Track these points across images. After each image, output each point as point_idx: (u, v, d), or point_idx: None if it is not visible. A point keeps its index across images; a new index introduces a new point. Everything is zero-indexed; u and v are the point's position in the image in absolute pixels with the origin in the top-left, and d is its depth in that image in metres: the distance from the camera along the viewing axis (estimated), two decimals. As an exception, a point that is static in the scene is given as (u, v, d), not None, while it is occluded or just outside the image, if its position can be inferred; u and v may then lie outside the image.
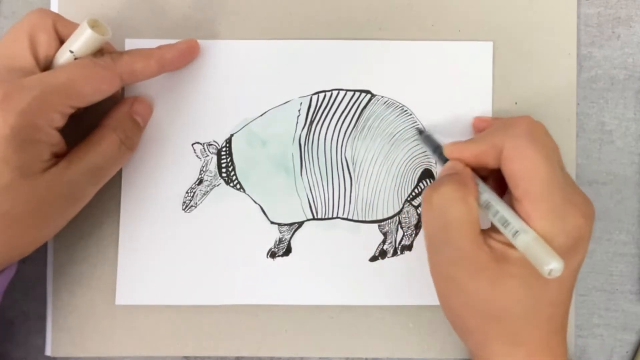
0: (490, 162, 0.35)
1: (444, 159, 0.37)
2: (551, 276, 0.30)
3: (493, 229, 0.35)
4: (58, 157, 0.36)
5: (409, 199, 0.42)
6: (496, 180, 0.37)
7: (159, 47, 0.39)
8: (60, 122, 0.35)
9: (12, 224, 0.34)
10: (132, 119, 0.40)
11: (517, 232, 0.32)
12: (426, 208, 0.35)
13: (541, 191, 0.33)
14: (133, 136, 0.39)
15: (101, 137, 0.38)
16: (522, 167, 0.33)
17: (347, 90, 0.42)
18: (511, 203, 0.34)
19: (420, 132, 0.41)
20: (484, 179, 0.37)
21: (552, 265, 0.30)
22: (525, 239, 0.32)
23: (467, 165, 0.36)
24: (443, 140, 0.39)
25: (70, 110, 0.36)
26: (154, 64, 0.38)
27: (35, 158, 0.34)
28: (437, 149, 0.38)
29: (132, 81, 0.39)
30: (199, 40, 0.41)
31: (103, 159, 0.37)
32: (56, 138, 0.35)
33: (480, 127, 0.40)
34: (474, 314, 0.34)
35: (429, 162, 0.42)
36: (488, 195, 0.34)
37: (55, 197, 0.35)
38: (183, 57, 0.41)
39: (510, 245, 0.33)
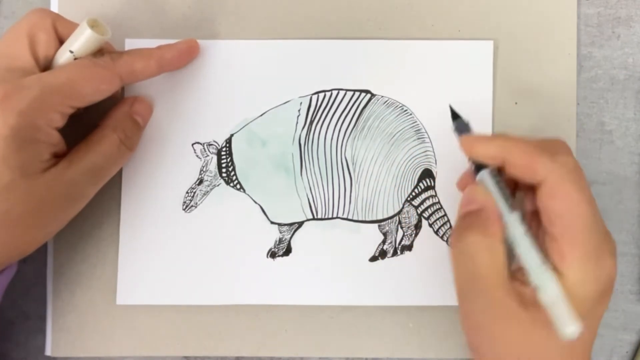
0: (519, 174, 0.33)
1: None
2: (568, 338, 0.30)
3: (520, 270, 0.33)
4: (58, 157, 0.36)
5: (409, 199, 0.42)
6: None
7: (159, 47, 0.39)
8: (60, 122, 0.35)
9: (12, 223, 0.34)
10: (132, 119, 0.40)
11: (543, 282, 0.31)
12: (454, 255, 0.34)
13: (581, 235, 0.32)
14: (133, 136, 0.39)
15: (101, 137, 0.38)
16: (565, 206, 0.32)
17: (347, 90, 0.42)
18: (542, 237, 0.33)
19: (455, 116, 0.37)
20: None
21: (571, 329, 0.30)
22: (550, 294, 0.31)
23: (491, 159, 0.34)
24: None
25: (70, 110, 0.36)
26: (153, 63, 0.38)
27: (35, 158, 0.34)
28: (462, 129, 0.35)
29: (132, 81, 0.39)
30: (198, 40, 0.41)
31: (103, 158, 0.37)
32: (56, 138, 0.35)
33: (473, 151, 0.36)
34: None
35: (429, 162, 0.42)
36: (519, 235, 0.33)
37: (55, 197, 0.35)
38: (183, 57, 0.41)
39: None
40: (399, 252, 0.41)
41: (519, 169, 0.33)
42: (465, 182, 0.37)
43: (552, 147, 0.34)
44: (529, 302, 0.32)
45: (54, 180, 0.35)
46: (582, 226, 0.32)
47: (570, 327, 0.30)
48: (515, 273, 0.34)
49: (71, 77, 0.35)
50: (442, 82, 0.42)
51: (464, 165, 0.37)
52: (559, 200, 0.32)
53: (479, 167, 0.35)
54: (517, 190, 0.36)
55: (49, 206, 0.35)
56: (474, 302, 0.33)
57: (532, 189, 0.34)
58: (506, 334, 0.32)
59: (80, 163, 0.36)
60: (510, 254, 0.33)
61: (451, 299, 0.41)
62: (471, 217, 0.34)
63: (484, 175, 0.34)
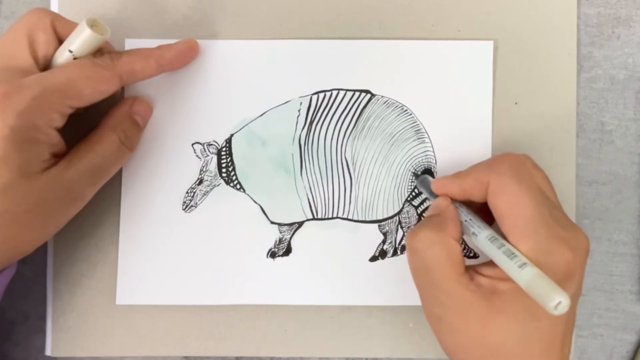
0: (477, 196, 0.35)
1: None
2: (558, 312, 0.29)
3: (480, 266, 0.35)
4: (57, 157, 0.36)
5: (409, 199, 0.42)
6: (488, 213, 0.36)
7: (159, 47, 0.39)
8: (59, 122, 0.35)
9: (12, 223, 0.34)
10: (131, 119, 0.40)
11: (524, 264, 0.31)
12: (409, 253, 0.36)
13: (525, 228, 0.33)
14: (133, 136, 0.39)
15: (101, 137, 0.38)
16: (507, 203, 0.34)
17: (347, 90, 0.42)
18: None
19: (417, 175, 0.41)
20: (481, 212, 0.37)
21: (557, 299, 0.29)
22: (528, 274, 0.31)
23: (455, 199, 0.37)
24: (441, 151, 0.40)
25: (70, 110, 0.36)
26: (153, 63, 0.38)
27: (34, 158, 0.34)
28: (433, 193, 0.38)
29: (132, 81, 0.39)
30: (198, 40, 0.41)
31: (103, 159, 0.37)
32: (55, 138, 0.35)
33: (439, 191, 0.38)
34: (468, 352, 0.34)
35: (428, 162, 0.42)
36: (482, 230, 0.34)
37: (54, 197, 0.35)
38: (182, 57, 0.41)
39: (498, 279, 0.33)
40: (399, 252, 0.41)
41: (475, 191, 0.35)
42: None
43: (493, 159, 0.36)
44: (488, 293, 0.33)
45: (53, 180, 0.35)
46: (526, 220, 0.33)
47: (554, 299, 0.29)
48: (473, 269, 0.35)
49: (71, 77, 0.35)
50: (442, 82, 0.42)
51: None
52: (501, 198, 0.34)
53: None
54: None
55: (49, 206, 0.35)
56: (431, 295, 0.34)
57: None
58: (465, 324, 0.33)
59: (80, 163, 0.36)
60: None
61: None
62: (427, 219, 0.36)
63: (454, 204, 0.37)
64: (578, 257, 0.33)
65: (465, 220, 0.35)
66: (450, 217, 0.35)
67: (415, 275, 0.36)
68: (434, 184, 0.38)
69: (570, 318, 0.34)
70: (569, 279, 0.33)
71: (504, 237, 0.34)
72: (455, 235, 0.34)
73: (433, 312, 0.35)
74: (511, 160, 0.35)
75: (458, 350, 0.34)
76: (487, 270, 0.34)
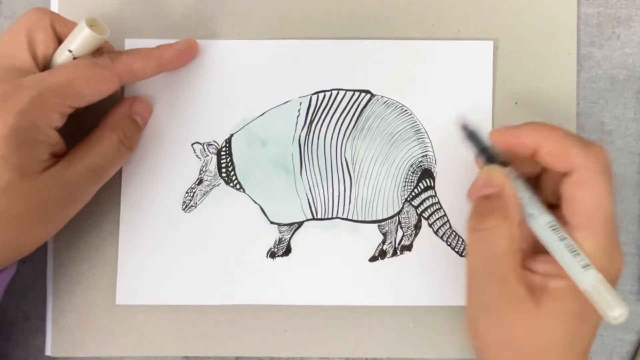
0: (552, 164, 0.34)
1: (489, 159, 0.35)
2: (616, 322, 0.30)
3: (531, 261, 0.34)
4: (57, 157, 0.36)
5: (408, 199, 0.42)
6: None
7: (158, 47, 0.39)
8: (58, 122, 0.35)
9: (11, 223, 0.34)
10: (131, 118, 0.40)
11: (587, 265, 0.31)
12: (471, 238, 0.34)
13: (602, 228, 0.32)
14: (132, 136, 0.39)
15: (100, 137, 0.38)
16: (591, 199, 0.33)
17: (347, 90, 0.42)
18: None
19: (464, 128, 0.37)
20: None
21: (619, 312, 0.29)
22: (593, 278, 0.31)
23: (523, 146, 0.34)
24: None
25: (69, 110, 0.36)
26: (153, 63, 0.38)
27: (34, 158, 0.34)
28: (484, 150, 0.35)
29: (131, 81, 0.39)
30: (198, 40, 0.41)
31: (102, 158, 0.37)
32: (55, 138, 0.35)
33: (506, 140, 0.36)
34: (508, 347, 0.33)
35: (428, 162, 0.42)
36: (548, 221, 0.33)
37: (54, 197, 0.35)
38: (182, 57, 0.41)
39: (550, 277, 0.33)
40: (398, 252, 0.41)
41: (552, 156, 0.33)
42: (477, 192, 0.37)
43: (586, 141, 0.34)
44: (537, 290, 0.33)
45: (53, 180, 0.35)
46: (604, 220, 0.33)
47: (616, 310, 0.30)
48: (524, 260, 0.34)
49: (70, 77, 0.35)
50: (442, 82, 0.42)
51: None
52: (588, 192, 0.33)
53: (490, 160, 0.35)
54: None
55: (48, 206, 0.35)
56: (486, 285, 0.34)
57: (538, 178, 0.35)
58: (513, 318, 0.33)
59: (80, 163, 0.36)
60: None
61: (451, 299, 0.41)
62: (491, 201, 0.34)
63: (510, 174, 0.35)
64: (622, 261, 0.34)
65: (523, 198, 0.34)
66: (513, 199, 0.34)
67: (475, 262, 0.34)
68: (497, 133, 0.35)
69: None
70: (615, 283, 0.33)
71: (567, 228, 0.33)
72: (518, 222, 0.33)
73: (482, 301, 0.34)
74: (604, 156, 0.34)
75: (497, 344, 0.34)
76: (538, 266, 0.34)
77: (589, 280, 0.31)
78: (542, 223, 0.33)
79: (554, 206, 0.35)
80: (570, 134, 0.34)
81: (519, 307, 0.33)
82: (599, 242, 0.32)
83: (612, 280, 0.33)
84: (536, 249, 0.35)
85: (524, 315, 0.33)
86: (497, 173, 0.35)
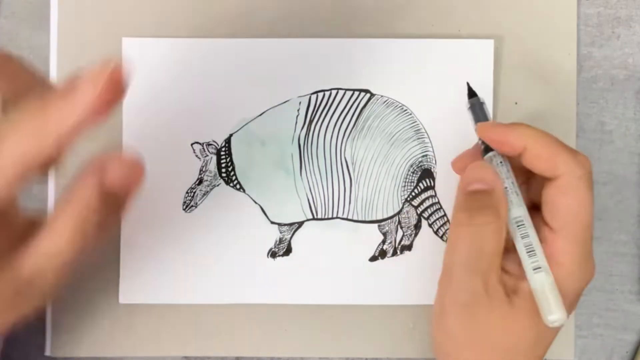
0: (536, 168, 0.34)
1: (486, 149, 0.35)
2: (552, 326, 0.31)
3: (505, 261, 0.34)
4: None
5: (408, 199, 0.42)
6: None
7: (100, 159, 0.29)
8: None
9: None
10: (99, 195, 0.28)
11: (539, 268, 0.32)
12: (460, 235, 0.34)
13: (581, 234, 0.33)
14: (101, 219, 0.28)
15: (51, 228, 0.28)
16: (573, 204, 0.33)
17: (347, 90, 0.42)
18: (539, 227, 0.34)
19: (472, 104, 0.37)
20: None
21: (557, 317, 0.30)
22: (543, 280, 0.31)
23: (510, 146, 0.34)
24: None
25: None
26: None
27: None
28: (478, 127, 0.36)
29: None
30: (198, 40, 0.41)
31: (49, 259, 0.28)
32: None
33: (462, 168, 0.36)
34: (478, 346, 0.33)
35: (428, 162, 0.42)
36: (524, 216, 0.33)
37: (14, 294, 0.28)
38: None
39: (523, 278, 0.33)
40: (398, 252, 0.41)
41: (538, 160, 0.33)
42: (463, 163, 0.37)
43: (573, 149, 0.34)
44: (511, 291, 0.33)
45: (7, 278, 0.28)
46: (583, 228, 0.33)
47: (555, 314, 0.31)
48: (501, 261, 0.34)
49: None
50: (442, 82, 0.42)
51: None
52: (571, 198, 0.33)
53: (487, 149, 0.35)
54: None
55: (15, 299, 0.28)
56: (467, 282, 0.33)
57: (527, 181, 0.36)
58: (489, 318, 0.33)
59: (31, 259, 0.28)
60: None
61: (451, 299, 0.41)
62: (483, 197, 0.34)
63: (495, 158, 0.35)
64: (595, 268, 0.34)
65: (505, 187, 0.34)
66: (502, 197, 0.34)
67: (459, 256, 0.34)
68: (485, 127, 0.35)
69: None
70: (579, 297, 0.34)
71: (546, 230, 0.33)
72: (506, 219, 0.33)
73: (458, 297, 0.34)
74: (588, 164, 0.34)
75: (470, 343, 0.34)
76: (510, 266, 0.34)
77: (539, 281, 0.32)
78: (510, 217, 0.33)
79: (535, 207, 0.35)
80: (558, 141, 0.34)
81: (497, 307, 0.33)
82: (575, 249, 0.33)
83: (585, 284, 0.33)
84: (508, 247, 0.35)
85: (500, 316, 0.33)
86: (491, 171, 0.34)
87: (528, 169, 0.34)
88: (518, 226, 0.33)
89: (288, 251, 0.41)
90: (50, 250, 0.28)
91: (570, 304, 0.33)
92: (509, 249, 0.34)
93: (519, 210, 0.33)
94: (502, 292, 0.33)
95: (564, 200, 0.33)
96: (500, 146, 0.34)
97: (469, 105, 0.37)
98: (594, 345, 0.42)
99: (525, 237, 0.33)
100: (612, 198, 0.42)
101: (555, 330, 0.34)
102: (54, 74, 0.42)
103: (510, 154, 0.34)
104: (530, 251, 0.32)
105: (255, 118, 0.42)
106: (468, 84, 0.37)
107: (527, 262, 0.32)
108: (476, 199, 0.34)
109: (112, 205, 0.29)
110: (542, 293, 0.31)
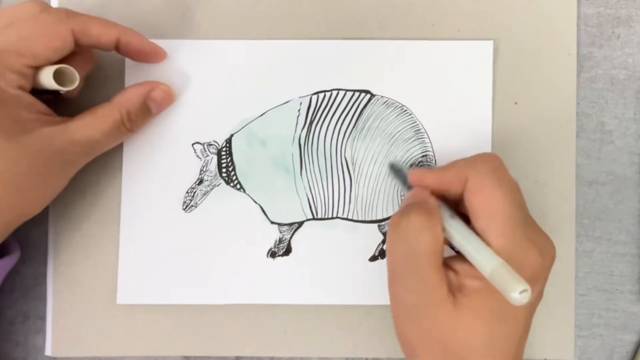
0: (454, 190, 0.35)
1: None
2: (519, 303, 0.30)
3: (450, 259, 0.34)
4: (46, 115, 0.36)
5: (408, 199, 0.42)
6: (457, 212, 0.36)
7: (125, 27, 0.38)
8: (21, 81, 0.35)
9: (6, 185, 0.34)
10: (143, 103, 0.39)
11: (487, 256, 0.32)
12: (393, 234, 0.34)
13: (502, 226, 0.33)
14: (137, 120, 0.39)
15: (103, 113, 0.37)
16: (485, 200, 0.33)
17: (347, 90, 0.42)
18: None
19: (393, 166, 0.41)
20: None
21: (519, 290, 0.30)
22: (493, 262, 0.31)
23: (432, 192, 0.36)
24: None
25: (28, 70, 0.35)
26: (113, 32, 0.37)
27: (10, 119, 0.34)
28: (407, 182, 0.38)
29: (87, 43, 0.37)
30: (200, 41, 0.41)
31: (99, 134, 0.37)
32: (26, 99, 0.35)
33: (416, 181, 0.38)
34: (432, 346, 0.33)
35: (428, 162, 0.42)
36: (455, 221, 0.34)
37: (45, 161, 0.35)
38: (144, 51, 0.40)
39: (467, 276, 0.33)
40: (398, 252, 0.41)
41: (454, 185, 0.35)
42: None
43: (474, 157, 0.36)
44: (456, 289, 0.33)
45: (42, 143, 0.35)
46: (502, 219, 0.33)
47: (517, 289, 0.30)
48: (445, 262, 0.34)
49: (21, 35, 0.35)
50: (442, 82, 0.42)
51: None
52: (480, 195, 0.34)
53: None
54: None
55: (40, 168, 0.35)
56: (408, 282, 0.34)
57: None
58: (435, 317, 0.33)
59: (75, 133, 0.36)
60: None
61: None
62: (414, 204, 0.35)
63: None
64: (545, 262, 0.34)
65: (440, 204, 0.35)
66: (436, 205, 0.35)
67: (396, 258, 0.35)
68: (412, 174, 0.37)
69: (527, 323, 0.35)
70: (534, 282, 0.33)
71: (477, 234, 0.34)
72: (441, 224, 0.34)
73: (405, 300, 0.34)
74: (491, 159, 0.35)
75: (420, 342, 0.34)
76: (456, 265, 0.34)
77: (490, 265, 0.31)
78: (452, 225, 0.34)
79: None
80: (460, 160, 0.35)
81: (441, 306, 0.33)
82: (506, 240, 0.33)
83: (530, 275, 0.32)
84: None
85: (445, 314, 0.33)
86: (421, 191, 0.36)
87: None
88: (462, 233, 0.33)
89: (288, 251, 0.41)
90: (87, 132, 0.36)
91: (539, 292, 0.34)
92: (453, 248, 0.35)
93: (451, 222, 0.34)
94: (446, 291, 0.33)
95: (475, 199, 0.34)
96: (430, 189, 0.36)
97: (391, 173, 0.41)
98: (594, 345, 0.42)
99: (471, 237, 0.33)
100: (612, 198, 0.42)
101: (516, 329, 0.34)
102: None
103: (447, 194, 0.36)
104: (478, 247, 0.32)
105: (256, 118, 0.42)
106: (391, 164, 0.41)
107: (477, 256, 0.32)
108: (407, 206, 0.35)
109: (141, 115, 0.39)
110: (497, 274, 0.31)
